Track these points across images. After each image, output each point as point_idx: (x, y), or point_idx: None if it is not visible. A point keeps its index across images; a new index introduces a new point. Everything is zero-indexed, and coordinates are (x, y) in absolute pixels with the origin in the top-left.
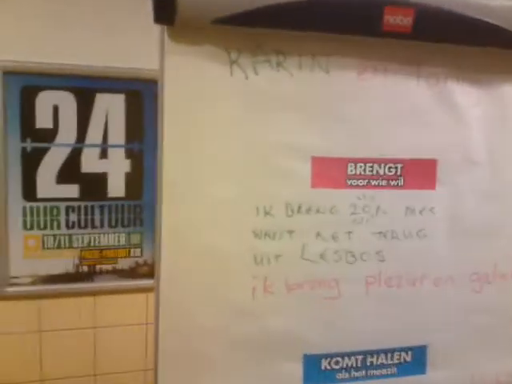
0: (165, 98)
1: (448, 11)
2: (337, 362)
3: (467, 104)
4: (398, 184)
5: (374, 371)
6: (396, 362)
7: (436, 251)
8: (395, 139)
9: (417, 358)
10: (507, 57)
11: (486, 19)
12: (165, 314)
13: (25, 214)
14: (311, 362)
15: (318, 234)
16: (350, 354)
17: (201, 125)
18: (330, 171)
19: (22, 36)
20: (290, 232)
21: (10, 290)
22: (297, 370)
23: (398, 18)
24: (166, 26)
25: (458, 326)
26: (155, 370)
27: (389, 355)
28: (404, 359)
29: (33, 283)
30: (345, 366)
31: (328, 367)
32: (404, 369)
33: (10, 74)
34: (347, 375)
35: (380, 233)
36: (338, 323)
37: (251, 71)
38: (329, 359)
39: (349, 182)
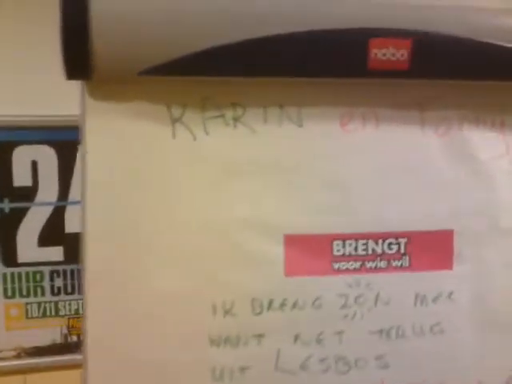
0: (87, 172)
1: (457, 38)
2: None
3: (490, 155)
4: (402, 265)
5: None
6: None
7: (458, 351)
8: (395, 206)
9: None
10: None
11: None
12: None
13: (5, 281)
14: None
15: (297, 337)
16: None
17: (135, 204)
18: (310, 253)
19: None
20: (259, 336)
21: None
22: None
23: (389, 52)
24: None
25: None
26: None
27: None
28: None
29: (17, 357)
30: None
31: None
32: None
33: None
34: None
35: (381, 331)
36: None
37: (200, 130)
38: None
39: (336, 266)
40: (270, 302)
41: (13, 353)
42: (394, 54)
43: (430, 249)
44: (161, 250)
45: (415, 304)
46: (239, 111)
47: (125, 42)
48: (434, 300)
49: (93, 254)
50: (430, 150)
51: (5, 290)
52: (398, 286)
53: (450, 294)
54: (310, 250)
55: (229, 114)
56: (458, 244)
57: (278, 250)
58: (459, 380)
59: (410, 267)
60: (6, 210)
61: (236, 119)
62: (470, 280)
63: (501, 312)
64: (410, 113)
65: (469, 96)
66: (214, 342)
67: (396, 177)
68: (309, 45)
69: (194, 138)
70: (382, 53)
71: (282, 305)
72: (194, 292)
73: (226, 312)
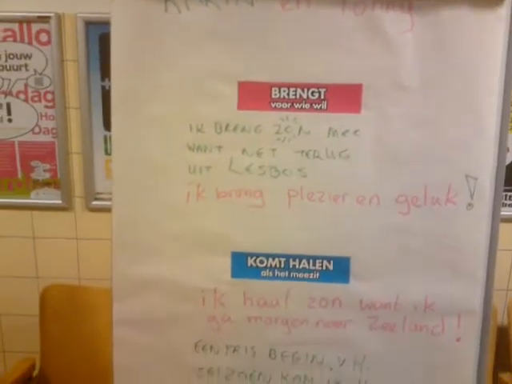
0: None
1: None
2: (261, 261)
3: (397, 30)
4: (321, 107)
5: (297, 273)
6: (318, 268)
7: (359, 172)
8: (318, 64)
9: (338, 268)
10: None
11: None
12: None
13: (106, 142)
14: (238, 259)
15: (244, 151)
16: (273, 256)
17: (142, 56)
18: (256, 95)
19: None
20: (219, 147)
21: (96, 203)
22: (226, 264)
23: None
24: None
25: (383, 244)
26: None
27: (311, 261)
28: (326, 267)
29: None
30: (269, 265)
31: (253, 265)
32: (326, 276)
33: (90, 24)
34: (271, 274)
35: (302, 151)
36: (262, 228)
37: (183, 6)
38: (254, 258)
39: (273, 105)
40: (227, 126)
41: (110, 195)
42: None
43: (343, 97)
44: (155, 89)
45: (328, 135)
46: None
47: None
48: (343, 134)
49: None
50: (347, 24)
51: (105, 148)
52: (316, 122)
53: (356, 131)
54: (256, 93)
55: None
56: (365, 95)
57: (233, 91)
58: (359, 192)
59: (327, 110)
60: (106, 87)
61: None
62: (373, 123)
63: (395, 148)
64: None
65: None
66: (191, 148)
67: (320, 42)
68: None
69: (179, 12)
70: None
71: (235, 128)
72: (177, 117)
73: (198, 130)
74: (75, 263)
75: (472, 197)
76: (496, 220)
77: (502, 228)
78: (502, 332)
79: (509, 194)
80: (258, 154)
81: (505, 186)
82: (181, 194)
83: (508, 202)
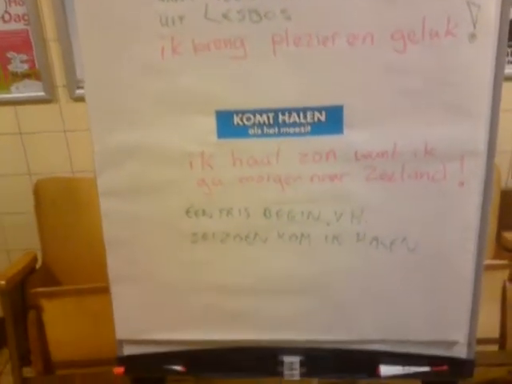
0: None
1: None
2: (248, 119)
3: None
4: None
5: (287, 129)
6: (310, 121)
7: (349, 7)
8: None
9: (332, 118)
10: None
11: None
12: None
13: None
14: (223, 117)
15: None
16: (261, 111)
17: None
18: None
19: None
20: None
21: (80, 91)
22: (210, 124)
23: None
24: None
25: (378, 87)
26: None
27: (301, 114)
28: (318, 119)
29: None
30: (257, 122)
31: (240, 123)
32: (319, 128)
33: None
34: (259, 131)
35: None
36: (247, 82)
37: None
38: (240, 115)
39: None
40: None
41: None
42: None
43: None
44: None
45: None
46: None
47: None
48: None
49: None
50: None
51: None
52: None
53: None
54: None
55: None
56: None
57: None
58: (350, 30)
59: None
60: None
61: None
62: None
63: None
64: None
65: None
66: None
67: None
68: None
69: None
70: None
71: None
72: None
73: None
74: (67, 156)
75: (475, 26)
76: (502, 51)
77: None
78: (505, 194)
79: None
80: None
81: None
82: (154, 50)
83: None
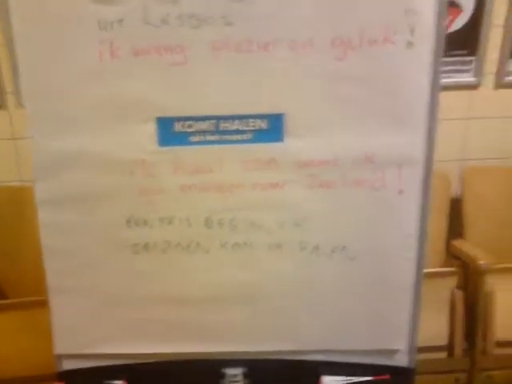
0: None
1: None
2: (189, 126)
3: None
4: None
5: (229, 136)
6: (252, 128)
7: (290, 13)
8: None
9: (273, 126)
10: None
11: None
12: None
13: None
14: (164, 124)
15: None
16: (202, 119)
17: None
18: None
19: None
20: None
21: None
22: (151, 130)
23: None
24: None
25: (318, 95)
26: None
27: (243, 121)
28: (260, 126)
29: None
30: (198, 129)
31: (181, 130)
32: (260, 135)
33: None
34: (201, 138)
35: None
36: (188, 89)
37: None
38: (181, 122)
39: None
40: None
41: None
42: None
43: None
44: None
45: None
46: None
47: None
48: None
49: None
50: None
51: None
52: None
53: None
54: None
55: None
56: None
57: None
58: (291, 36)
59: None
60: None
61: None
62: None
63: None
64: None
65: None
66: None
67: None
68: None
69: None
70: None
71: None
72: None
73: None
74: (15, 164)
75: (412, 34)
76: (438, 59)
77: (456, 96)
78: (455, 202)
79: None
80: (175, 2)
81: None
82: (93, 55)
83: (465, 67)
